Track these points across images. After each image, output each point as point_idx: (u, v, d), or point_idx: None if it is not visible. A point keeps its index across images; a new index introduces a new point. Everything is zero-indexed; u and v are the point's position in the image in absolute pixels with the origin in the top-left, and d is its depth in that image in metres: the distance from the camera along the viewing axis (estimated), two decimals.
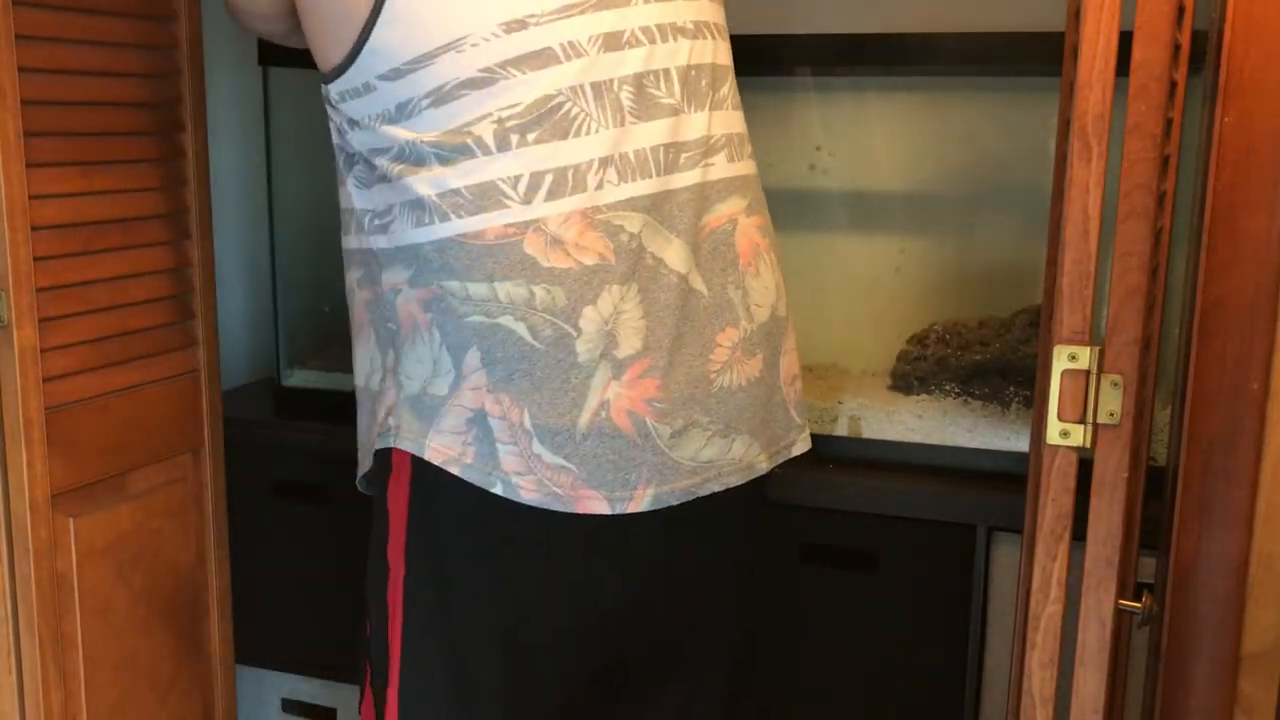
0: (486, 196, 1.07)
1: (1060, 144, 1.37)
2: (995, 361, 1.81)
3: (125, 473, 1.62)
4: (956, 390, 1.81)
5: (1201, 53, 1.18)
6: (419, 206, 1.09)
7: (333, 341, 2.19)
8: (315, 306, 2.20)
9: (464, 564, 1.18)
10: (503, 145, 1.06)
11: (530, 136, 1.07)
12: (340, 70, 1.11)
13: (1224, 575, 0.98)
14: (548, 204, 1.07)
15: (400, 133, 1.09)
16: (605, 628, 1.23)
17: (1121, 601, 0.99)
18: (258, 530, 1.98)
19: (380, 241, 1.14)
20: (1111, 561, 0.94)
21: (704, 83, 1.15)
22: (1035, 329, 1.79)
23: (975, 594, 1.65)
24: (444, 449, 1.12)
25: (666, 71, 1.12)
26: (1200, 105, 1.20)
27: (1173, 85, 0.94)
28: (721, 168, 1.15)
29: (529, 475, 1.10)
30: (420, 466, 1.14)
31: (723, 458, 1.17)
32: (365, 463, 1.24)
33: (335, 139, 1.19)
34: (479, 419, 1.10)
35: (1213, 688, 1.00)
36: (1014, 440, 1.69)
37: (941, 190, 1.98)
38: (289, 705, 2.09)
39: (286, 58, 2.00)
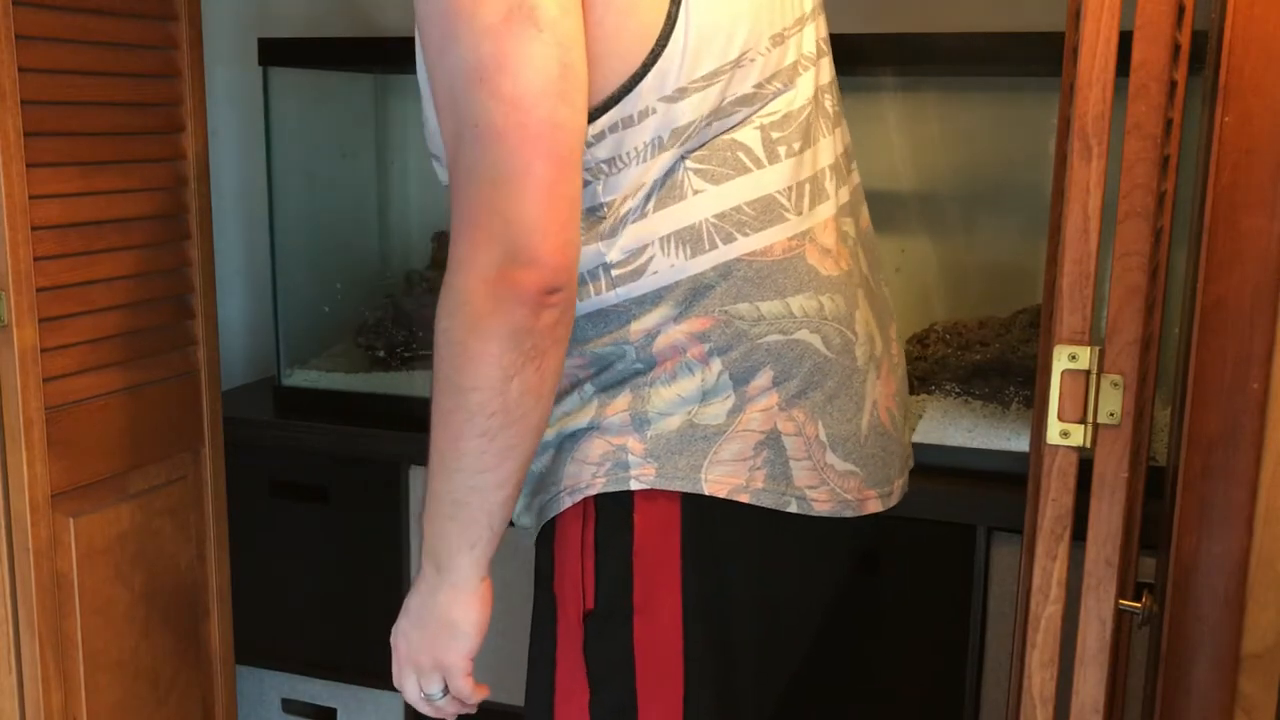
0: (769, 210, 1.06)
1: (1060, 144, 1.37)
2: (995, 361, 1.81)
3: (125, 472, 1.62)
4: (956, 390, 1.81)
5: (1201, 53, 1.18)
6: (691, 235, 1.04)
7: (333, 341, 2.19)
8: (315, 306, 2.20)
9: (745, 612, 1.11)
10: (771, 157, 1.06)
11: (795, 146, 1.08)
12: (614, 100, 1.01)
13: (1224, 575, 0.98)
14: (812, 213, 1.08)
15: (667, 158, 1.04)
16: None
17: (1121, 601, 0.99)
18: (258, 530, 1.98)
19: (628, 291, 1.06)
20: (1111, 561, 0.94)
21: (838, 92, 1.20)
22: (1035, 329, 1.79)
23: (975, 594, 1.65)
24: (728, 479, 1.05)
25: (833, 80, 1.17)
26: (1200, 105, 1.20)
27: (1173, 85, 0.94)
28: (857, 172, 1.20)
29: (822, 487, 1.08)
30: (692, 505, 1.06)
31: (908, 440, 1.23)
32: (548, 513, 1.11)
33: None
34: (770, 440, 1.06)
35: (1213, 688, 1.00)
36: (1014, 440, 1.69)
37: (941, 190, 1.98)
38: (289, 705, 2.09)
39: (287, 57, 2.01)
